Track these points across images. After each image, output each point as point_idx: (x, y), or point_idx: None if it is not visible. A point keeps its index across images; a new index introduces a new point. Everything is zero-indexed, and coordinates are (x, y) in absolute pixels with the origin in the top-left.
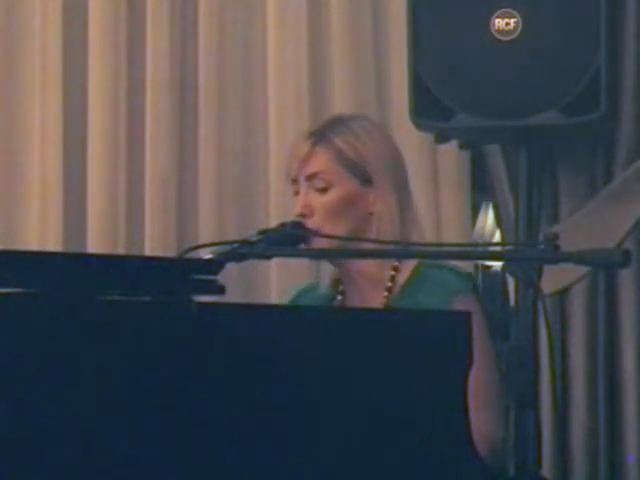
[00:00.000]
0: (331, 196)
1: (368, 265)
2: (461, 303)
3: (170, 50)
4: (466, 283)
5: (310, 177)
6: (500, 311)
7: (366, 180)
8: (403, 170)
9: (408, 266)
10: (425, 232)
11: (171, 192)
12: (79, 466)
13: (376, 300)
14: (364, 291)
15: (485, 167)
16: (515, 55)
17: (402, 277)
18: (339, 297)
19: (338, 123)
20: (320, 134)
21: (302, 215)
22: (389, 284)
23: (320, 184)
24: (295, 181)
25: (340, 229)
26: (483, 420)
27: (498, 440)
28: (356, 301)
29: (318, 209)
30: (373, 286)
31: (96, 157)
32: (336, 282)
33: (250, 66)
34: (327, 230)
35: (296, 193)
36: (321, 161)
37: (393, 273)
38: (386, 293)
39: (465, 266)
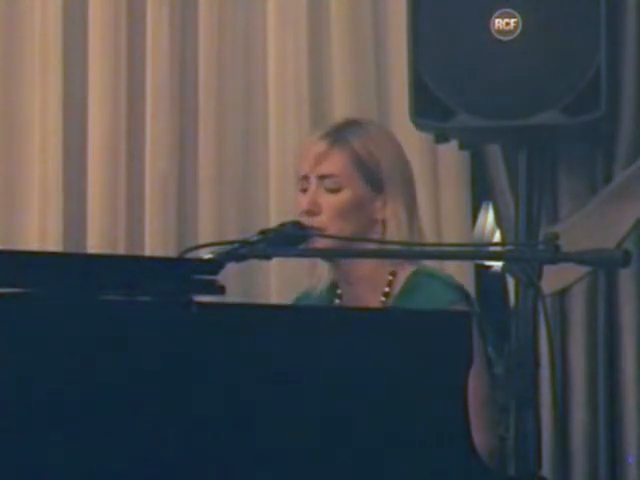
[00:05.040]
0: (342, 197)
1: (367, 268)
2: None
3: (170, 50)
4: (456, 296)
5: (323, 177)
6: (500, 311)
7: (377, 186)
8: (412, 180)
9: (405, 272)
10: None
11: (171, 192)
12: (75, 465)
13: (373, 304)
14: (361, 294)
15: (485, 167)
16: (515, 55)
17: (398, 283)
18: (337, 301)
19: (355, 126)
20: (337, 135)
21: (309, 212)
22: (387, 289)
23: (332, 185)
24: (305, 178)
25: (345, 231)
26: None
27: (494, 445)
28: (353, 304)
29: (326, 209)
30: (370, 289)
31: (96, 157)
32: (333, 285)
33: (250, 66)
34: (332, 231)
35: (303, 190)
36: (338, 163)
37: (391, 278)
38: (383, 298)
39: (465, 266)
